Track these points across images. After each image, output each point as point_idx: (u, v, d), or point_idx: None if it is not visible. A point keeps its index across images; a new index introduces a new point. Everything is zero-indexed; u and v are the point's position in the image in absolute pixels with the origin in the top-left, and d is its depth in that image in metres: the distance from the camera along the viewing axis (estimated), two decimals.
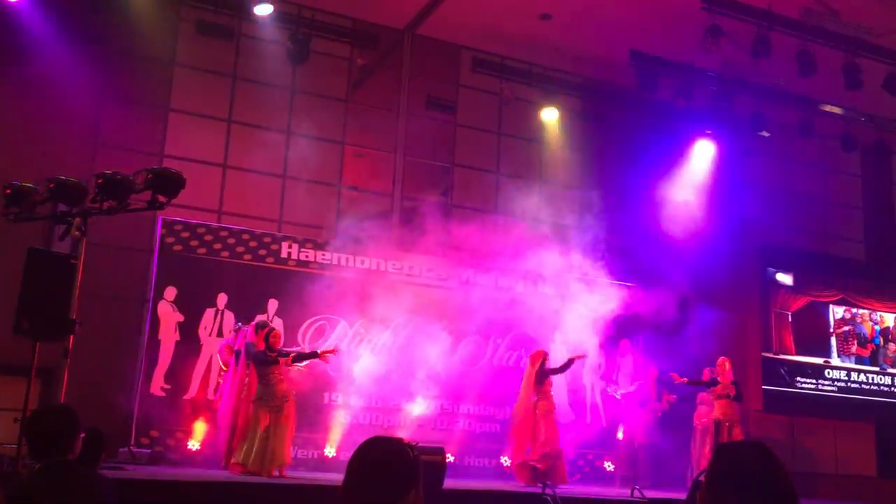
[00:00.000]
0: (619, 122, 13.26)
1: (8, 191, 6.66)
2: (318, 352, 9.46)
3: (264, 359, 8.79)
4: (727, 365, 10.80)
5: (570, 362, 10.16)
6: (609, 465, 12.05)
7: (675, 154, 13.46)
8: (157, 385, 10.13)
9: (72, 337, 6.44)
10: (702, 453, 10.81)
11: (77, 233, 6.35)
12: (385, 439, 2.32)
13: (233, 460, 8.64)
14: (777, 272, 13.92)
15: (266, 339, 8.92)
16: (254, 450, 8.48)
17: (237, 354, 9.52)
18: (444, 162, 12.93)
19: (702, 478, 6.84)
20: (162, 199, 6.38)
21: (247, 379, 9.17)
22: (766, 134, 13.21)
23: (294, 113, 11.86)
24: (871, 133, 13.86)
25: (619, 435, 12.02)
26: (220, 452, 9.40)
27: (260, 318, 9.98)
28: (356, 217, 11.48)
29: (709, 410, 10.96)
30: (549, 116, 13.05)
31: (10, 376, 8.64)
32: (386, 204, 12.28)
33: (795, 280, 14.02)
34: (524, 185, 12.66)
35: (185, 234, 10.63)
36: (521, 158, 13.21)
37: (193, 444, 10.03)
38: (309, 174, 11.85)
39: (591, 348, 11.82)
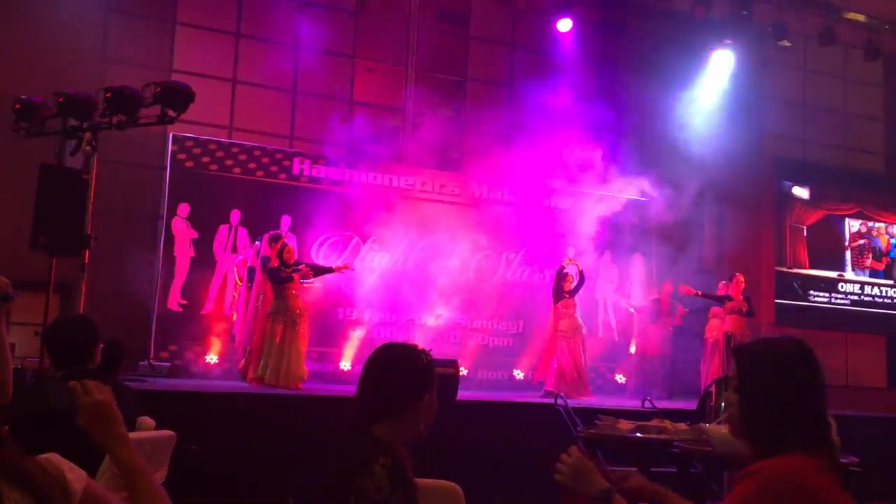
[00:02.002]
0: (636, 33, 12.93)
1: (17, 105, 6.61)
2: (333, 267, 9.57)
3: (278, 276, 8.85)
4: (742, 280, 10.81)
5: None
6: (621, 378, 12.21)
7: (693, 65, 13.16)
8: (174, 300, 10.27)
9: (88, 252, 6.50)
10: (712, 366, 10.92)
11: (88, 148, 6.34)
12: (400, 345, 2.35)
13: (251, 375, 8.81)
14: (793, 185, 13.79)
15: (280, 254, 8.98)
16: (270, 363, 8.64)
17: (252, 270, 9.60)
18: (456, 76, 12.71)
19: (712, 388, 6.81)
20: (172, 113, 6.34)
21: (262, 293, 9.27)
22: (786, 43, 12.88)
23: (303, 26, 11.62)
24: (895, 41, 13.48)
25: (632, 349, 12.13)
26: (238, 366, 9.58)
27: (273, 232, 10.00)
28: (368, 133, 11.36)
29: (720, 324, 11.01)
30: (564, 27, 12.71)
31: (29, 291, 8.72)
32: (398, 119, 12.14)
33: (812, 193, 13.90)
34: (538, 99, 12.44)
35: (197, 151, 10.59)
36: (535, 71, 12.94)
37: (211, 358, 10.22)
38: (319, 89, 11.71)
39: (606, 261, 11.84)
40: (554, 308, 10.29)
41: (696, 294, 10.85)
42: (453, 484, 2.85)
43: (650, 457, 5.97)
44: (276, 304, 8.84)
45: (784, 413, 1.91)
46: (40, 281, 6.59)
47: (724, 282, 11.09)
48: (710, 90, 13.28)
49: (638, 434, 5.46)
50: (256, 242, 9.98)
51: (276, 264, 8.94)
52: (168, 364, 9.77)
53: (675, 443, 5.20)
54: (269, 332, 8.77)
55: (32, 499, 1.25)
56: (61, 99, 6.39)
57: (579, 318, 10.35)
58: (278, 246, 9.10)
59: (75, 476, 1.38)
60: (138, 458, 1.72)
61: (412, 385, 2.21)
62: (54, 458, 1.38)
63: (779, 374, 1.95)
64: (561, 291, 10.26)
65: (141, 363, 9.49)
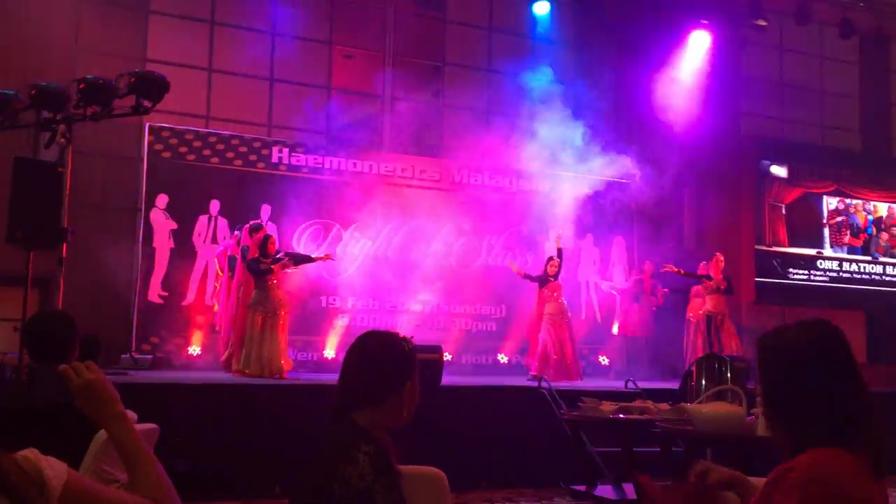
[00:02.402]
0: (612, 14, 12.91)
1: None
2: (314, 256, 9.55)
3: (258, 268, 8.81)
4: (721, 260, 10.90)
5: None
6: (604, 360, 12.28)
7: (670, 45, 13.16)
8: (155, 292, 10.20)
9: (65, 245, 6.44)
10: (695, 346, 11.01)
11: (62, 140, 6.27)
12: (380, 333, 2.34)
13: (234, 367, 8.78)
14: (772, 164, 13.85)
15: (262, 245, 8.92)
16: (252, 354, 8.61)
17: (232, 259, 9.55)
18: (434, 60, 12.66)
19: (693, 368, 6.90)
20: (147, 103, 6.27)
21: (243, 284, 9.22)
22: (762, 23, 12.92)
23: (278, 12, 11.51)
24: (870, 19, 13.56)
25: (615, 330, 12.21)
26: (221, 357, 9.54)
27: (254, 221, 9.95)
28: (347, 120, 11.31)
29: (702, 304, 11.11)
30: (541, 10, 12.70)
31: (6, 287, 8.68)
32: (376, 105, 12.08)
33: (790, 172, 13.97)
34: (516, 83, 12.43)
35: (174, 141, 10.50)
36: (513, 53, 12.92)
37: (194, 350, 10.17)
38: (296, 76, 11.63)
39: (587, 243, 11.86)
40: (539, 292, 10.31)
41: (679, 272, 10.92)
42: (437, 470, 2.85)
43: (633, 437, 6.01)
44: (256, 294, 8.80)
45: (811, 404, 1.75)
46: (18, 275, 6.53)
47: (703, 262, 11.18)
48: (688, 70, 13.30)
49: (621, 415, 5.51)
50: (236, 232, 9.92)
51: (256, 255, 8.89)
52: (150, 356, 9.72)
53: (658, 423, 5.25)
54: (249, 323, 8.73)
55: (9, 500, 1.22)
56: (34, 91, 6.30)
57: (565, 303, 10.37)
58: (259, 236, 9.05)
59: (55, 472, 1.35)
60: (138, 437, 1.70)
61: (393, 372, 2.21)
62: (32, 454, 1.35)
63: (800, 362, 1.78)
64: (546, 276, 10.29)
65: (123, 356, 9.44)
